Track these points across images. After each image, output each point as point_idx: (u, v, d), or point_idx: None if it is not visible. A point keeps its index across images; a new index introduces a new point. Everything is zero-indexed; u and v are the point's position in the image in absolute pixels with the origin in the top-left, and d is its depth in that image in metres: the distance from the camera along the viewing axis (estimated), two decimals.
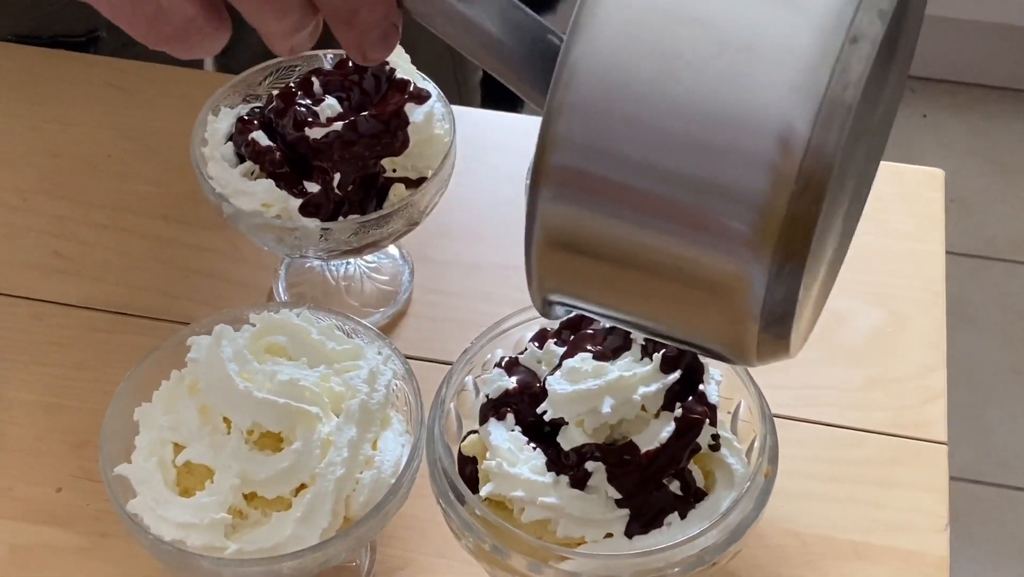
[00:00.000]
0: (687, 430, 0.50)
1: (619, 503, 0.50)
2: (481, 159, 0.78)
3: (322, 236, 0.61)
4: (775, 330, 0.36)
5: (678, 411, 0.51)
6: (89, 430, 0.66)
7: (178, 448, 0.53)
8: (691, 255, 0.35)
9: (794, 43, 0.33)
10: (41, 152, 0.80)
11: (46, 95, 0.83)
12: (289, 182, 0.61)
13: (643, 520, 0.50)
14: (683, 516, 0.51)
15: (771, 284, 0.35)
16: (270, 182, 0.61)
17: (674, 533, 0.50)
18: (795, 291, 0.35)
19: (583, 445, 0.51)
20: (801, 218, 0.34)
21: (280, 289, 0.72)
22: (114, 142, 0.81)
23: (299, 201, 0.61)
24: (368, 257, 0.72)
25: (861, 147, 0.37)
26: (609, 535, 0.50)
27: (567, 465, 0.51)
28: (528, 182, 0.36)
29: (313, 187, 0.61)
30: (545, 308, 0.40)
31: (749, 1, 0.34)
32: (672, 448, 0.50)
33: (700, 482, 0.52)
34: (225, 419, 0.52)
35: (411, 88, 0.63)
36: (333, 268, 0.73)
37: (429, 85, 0.65)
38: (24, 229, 0.76)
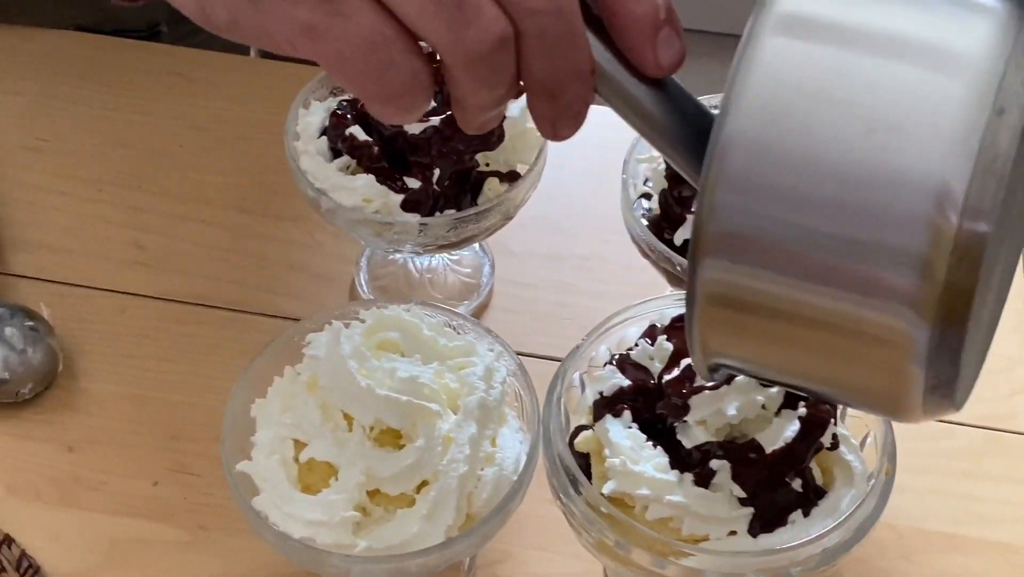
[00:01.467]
0: (813, 428, 0.51)
1: (743, 501, 0.51)
2: (558, 152, 0.78)
3: (421, 231, 0.61)
4: (941, 390, 0.37)
5: (801, 410, 0.51)
6: (180, 423, 0.66)
7: (299, 445, 0.53)
8: (854, 317, 0.36)
9: (941, 118, 0.33)
10: (112, 142, 0.80)
11: (112, 84, 0.83)
12: (389, 177, 0.61)
13: (767, 518, 0.51)
14: (806, 514, 0.51)
15: (934, 342, 0.35)
16: (371, 177, 0.61)
17: (798, 532, 0.51)
18: (959, 346, 0.35)
19: (705, 443, 0.51)
20: (962, 280, 0.34)
21: (362, 281, 0.72)
22: (184, 132, 0.80)
23: (400, 197, 0.61)
24: None
25: (1014, 209, 0.37)
26: (732, 533, 0.51)
27: (690, 463, 0.51)
28: (688, 255, 0.37)
29: (413, 182, 0.61)
30: (710, 374, 0.41)
31: (891, 78, 0.34)
32: (797, 446, 0.50)
33: (819, 480, 0.52)
34: (346, 416, 0.52)
35: None
36: (416, 261, 0.73)
37: None
38: (102, 220, 0.76)
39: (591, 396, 0.55)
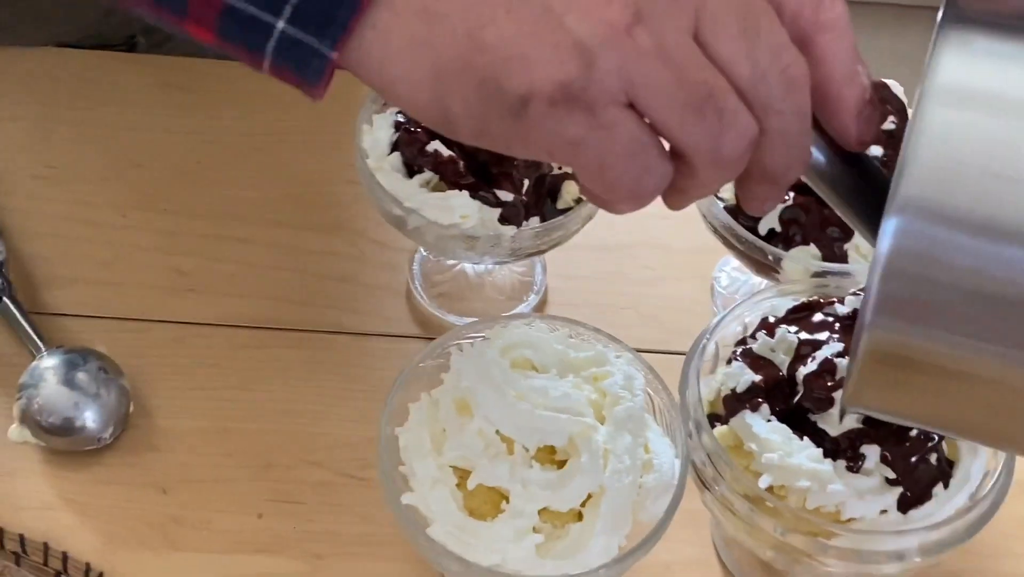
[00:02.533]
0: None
1: (891, 481, 0.54)
2: None
3: (513, 241, 0.62)
4: None
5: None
6: (270, 451, 0.66)
7: (459, 472, 0.53)
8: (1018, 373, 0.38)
9: None
10: (124, 163, 0.77)
11: (109, 101, 0.80)
12: (480, 191, 0.61)
13: (915, 494, 0.54)
14: (946, 486, 0.54)
15: None
16: (465, 194, 0.61)
17: (942, 504, 0.54)
18: None
19: (851, 430, 0.54)
20: None
21: (419, 289, 0.72)
22: (199, 147, 0.78)
23: (497, 210, 0.61)
24: None
25: None
26: (884, 512, 0.54)
27: (838, 450, 0.54)
28: (860, 312, 0.39)
29: (506, 195, 0.62)
30: (845, 414, 0.44)
31: None
32: None
33: (946, 452, 0.56)
34: (502, 437, 0.53)
35: None
36: (471, 264, 0.73)
37: None
38: (134, 248, 0.73)
39: (707, 392, 0.58)
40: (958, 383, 0.39)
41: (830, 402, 0.54)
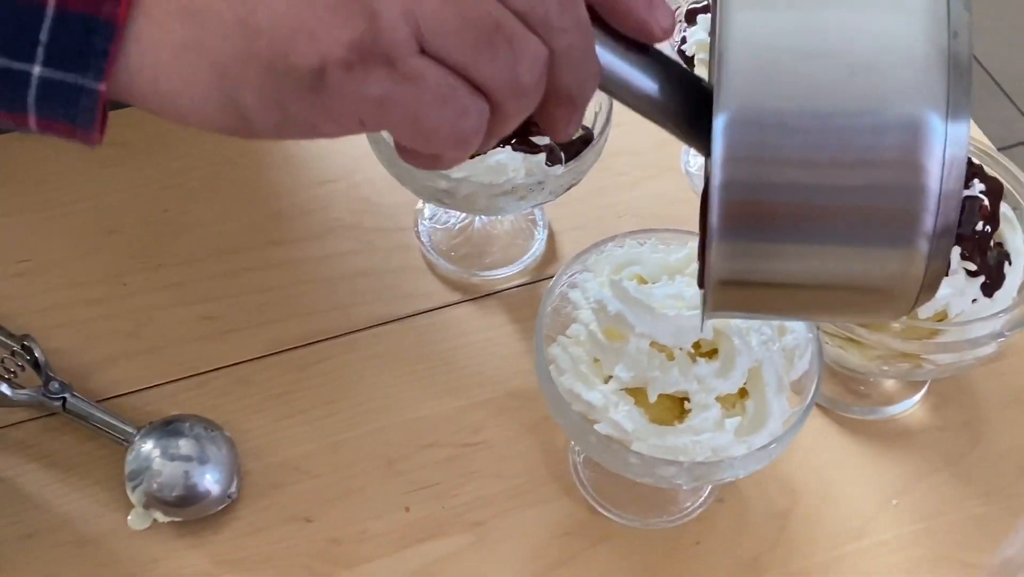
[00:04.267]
0: (996, 191, 0.62)
1: (972, 273, 0.61)
2: None
3: (562, 180, 0.65)
4: (932, 289, 0.42)
5: (976, 184, 0.62)
6: (386, 448, 0.67)
7: (631, 392, 0.57)
8: (862, 263, 0.40)
9: (910, 52, 0.39)
10: (96, 234, 0.75)
11: (45, 180, 0.77)
12: (523, 143, 0.64)
13: (993, 278, 0.62)
14: (1011, 263, 0.63)
15: (932, 255, 0.40)
16: (507, 150, 0.64)
17: (1013, 282, 0.62)
18: (948, 254, 0.40)
19: None
20: (952, 184, 0.39)
21: (438, 259, 0.74)
22: (160, 196, 0.77)
23: (540, 156, 0.64)
24: None
25: None
26: (974, 300, 0.62)
27: None
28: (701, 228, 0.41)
29: (539, 139, 0.65)
30: (711, 313, 0.45)
31: (858, 24, 0.39)
32: (993, 209, 0.62)
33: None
34: (659, 347, 0.57)
35: None
36: (476, 221, 0.76)
37: None
38: (151, 310, 0.72)
39: None
40: (811, 288, 0.41)
41: None
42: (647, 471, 0.56)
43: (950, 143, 0.38)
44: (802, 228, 0.39)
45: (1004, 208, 0.64)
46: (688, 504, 0.65)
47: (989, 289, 0.62)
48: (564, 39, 0.39)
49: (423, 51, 0.36)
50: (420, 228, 0.76)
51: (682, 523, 0.65)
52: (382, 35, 0.35)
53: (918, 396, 0.71)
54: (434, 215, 0.76)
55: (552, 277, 0.73)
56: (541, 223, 0.77)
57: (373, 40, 0.35)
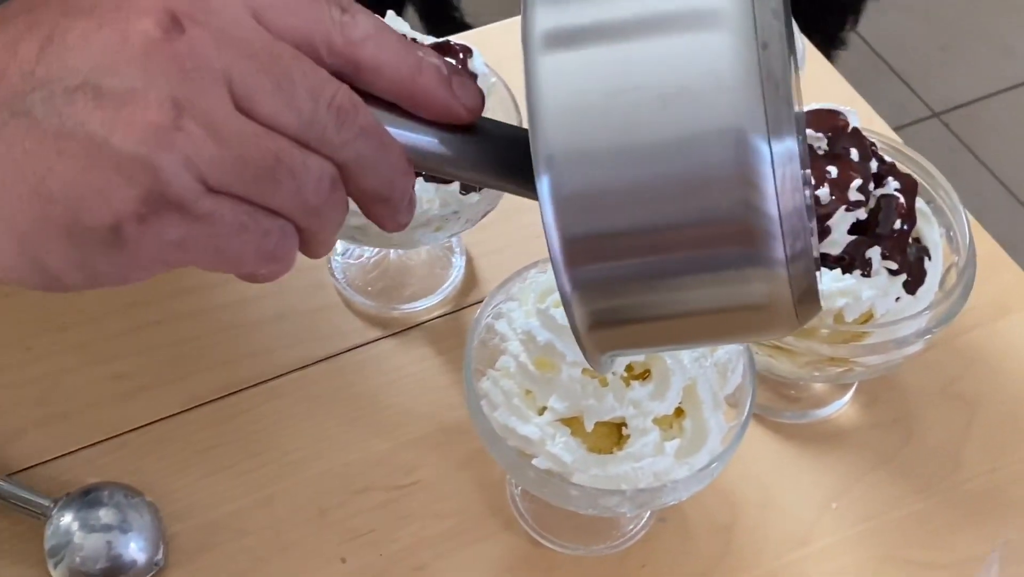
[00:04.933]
0: (911, 188, 0.62)
1: (893, 272, 0.61)
2: None
3: (476, 206, 0.64)
4: (808, 303, 0.40)
5: (890, 181, 0.62)
6: (318, 498, 0.65)
7: (566, 421, 0.56)
8: (723, 289, 0.39)
9: (720, 73, 0.37)
10: None
11: None
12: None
13: (914, 276, 0.62)
14: (931, 257, 0.63)
15: (793, 275, 0.38)
16: (419, 181, 0.62)
17: (934, 278, 0.62)
18: (812, 263, 0.39)
19: (850, 243, 0.61)
20: (789, 197, 0.37)
21: (355, 295, 0.73)
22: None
23: (453, 185, 0.63)
24: None
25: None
26: (898, 299, 0.62)
27: (849, 263, 0.61)
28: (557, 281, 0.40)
29: None
30: (603, 367, 0.45)
31: (662, 50, 0.38)
32: (909, 205, 0.62)
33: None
34: (591, 374, 0.56)
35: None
36: (391, 252, 0.74)
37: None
38: (57, 374, 0.69)
39: None
40: (685, 317, 0.40)
41: (828, 231, 0.61)
42: (589, 502, 0.55)
43: (778, 162, 0.37)
44: (651, 264, 0.39)
45: (919, 203, 0.64)
46: (631, 527, 0.64)
47: (912, 286, 0.62)
48: (349, 151, 0.39)
49: (212, 190, 0.37)
50: (333, 265, 0.74)
51: (626, 547, 0.64)
52: (168, 186, 0.36)
53: (848, 396, 0.70)
54: (347, 250, 0.75)
55: (475, 304, 0.73)
56: (458, 249, 0.75)
57: (160, 192, 0.37)
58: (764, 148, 0.36)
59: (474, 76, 0.65)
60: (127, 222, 0.37)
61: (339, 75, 0.40)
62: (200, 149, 0.37)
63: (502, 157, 0.42)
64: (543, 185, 0.38)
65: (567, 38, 0.38)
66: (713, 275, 0.39)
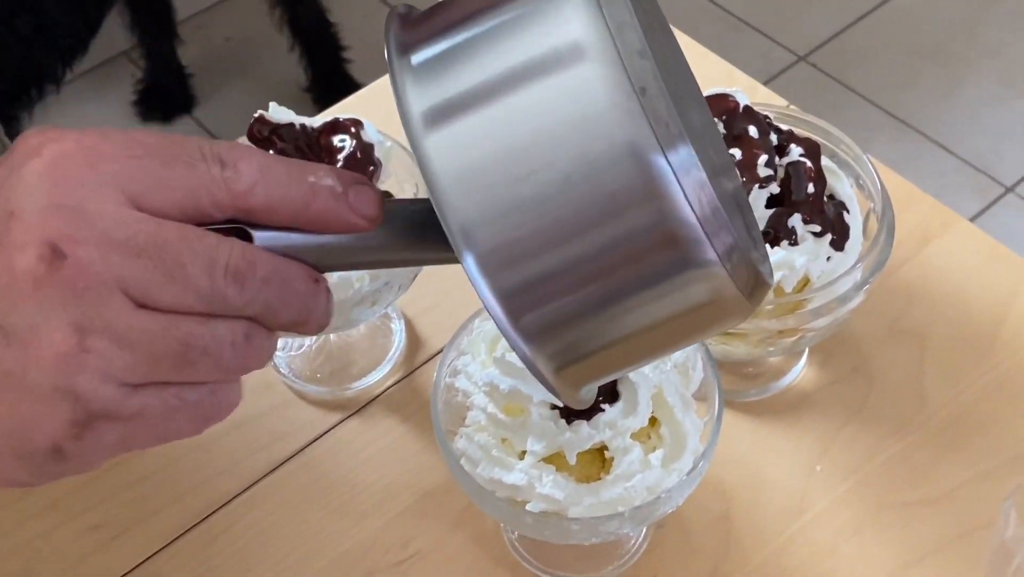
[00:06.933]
0: (814, 150, 0.64)
1: (818, 235, 0.63)
2: None
3: (405, 274, 0.64)
4: (755, 284, 0.41)
5: (793, 149, 0.64)
6: None
7: (548, 459, 0.56)
8: (671, 304, 0.40)
9: (597, 99, 0.38)
10: None
11: None
12: None
13: (837, 232, 0.63)
14: (849, 210, 0.64)
15: (724, 258, 0.39)
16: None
17: (857, 227, 0.64)
18: (746, 253, 0.40)
19: (770, 216, 0.62)
20: (706, 205, 0.38)
21: (304, 385, 0.72)
22: None
23: None
24: None
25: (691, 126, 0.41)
26: (829, 258, 0.63)
27: (776, 236, 0.62)
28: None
29: None
30: (583, 401, 0.46)
31: (551, 128, 0.38)
32: (816, 168, 0.63)
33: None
34: (558, 408, 0.57)
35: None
36: (332, 337, 0.74)
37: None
38: (34, 539, 0.68)
39: None
40: (644, 332, 0.41)
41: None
42: (591, 532, 0.56)
43: (679, 170, 0.38)
44: (592, 294, 0.39)
45: (824, 161, 0.66)
46: (632, 542, 0.65)
47: (838, 243, 0.64)
48: (256, 305, 0.40)
49: (136, 386, 0.39)
50: (276, 361, 0.74)
51: (634, 563, 0.64)
52: (91, 404, 0.38)
53: (803, 360, 0.72)
54: (286, 344, 0.74)
55: (425, 363, 0.73)
56: (395, 315, 0.76)
57: (85, 410, 0.38)
58: (660, 160, 0.38)
59: (370, 146, 0.66)
60: (64, 442, 0.39)
61: (234, 220, 0.40)
62: (111, 361, 0.38)
63: (410, 235, 0.42)
64: (466, 257, 0.39)
65: (445, 112, 0.39)
66: (655, 288, 0.40)
